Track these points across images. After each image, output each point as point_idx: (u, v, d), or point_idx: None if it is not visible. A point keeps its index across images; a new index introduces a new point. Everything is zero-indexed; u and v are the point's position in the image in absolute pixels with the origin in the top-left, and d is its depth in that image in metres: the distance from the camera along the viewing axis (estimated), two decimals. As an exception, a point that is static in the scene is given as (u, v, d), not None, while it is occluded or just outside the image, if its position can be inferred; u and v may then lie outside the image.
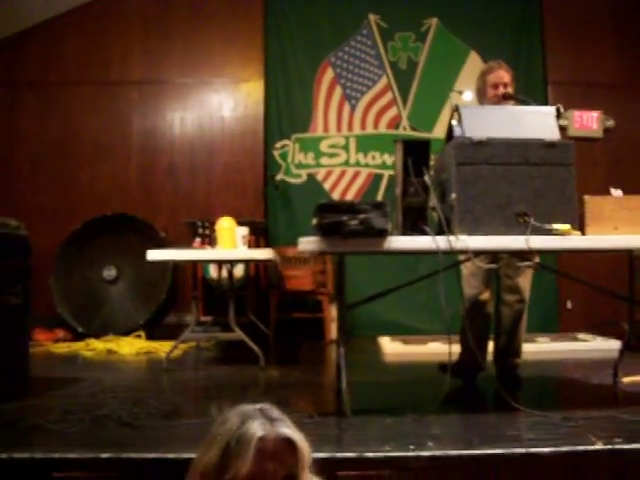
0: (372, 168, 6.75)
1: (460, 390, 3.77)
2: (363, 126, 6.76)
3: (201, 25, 6.63)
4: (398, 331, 6.27)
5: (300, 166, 6.71)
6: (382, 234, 2.97)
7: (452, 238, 2.99)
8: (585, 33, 6.68)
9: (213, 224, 4.75)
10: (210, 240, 4.67)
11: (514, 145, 3.10)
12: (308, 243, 3.05)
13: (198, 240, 4.63)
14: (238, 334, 4.47)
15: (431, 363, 5.03)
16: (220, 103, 6.68)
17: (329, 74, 6.73)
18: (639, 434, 2.65)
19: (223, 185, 6.56)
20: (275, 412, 1.49)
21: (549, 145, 3.12)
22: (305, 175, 6.72)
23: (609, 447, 2.50)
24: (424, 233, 3.09)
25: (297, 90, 6.70)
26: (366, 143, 6.76)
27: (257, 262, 5.70)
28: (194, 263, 5.91)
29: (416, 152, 3.19)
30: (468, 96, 3.49)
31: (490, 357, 4.00)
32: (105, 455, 2.38)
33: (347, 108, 6.75)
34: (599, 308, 6.51)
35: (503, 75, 3.90)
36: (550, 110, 3.24)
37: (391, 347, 5.56)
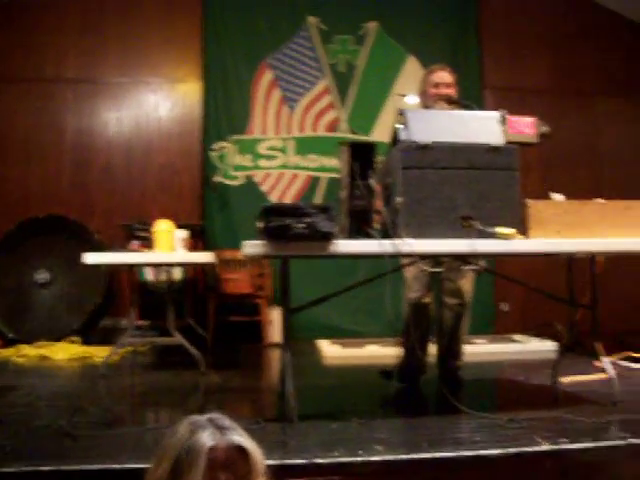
0: (310, 171, 6.73)
1: (403, 393, 3.78)
2: (302, 128, 6.73)
3: (138, 24, 6.48)
4: (336, 334, 6.26)
5: (238, 168, 6.63)
6: (328, 237, 2.95)
7: (398, 241, 2.98)
8: (521, 40, 6.83)
9: (150, 226, 4.66)
10: (148, 243, 4.57)
11: (459, 149, 3.12)
12: (253, 247, 3.01)
13: (136, 243, 4.52)
14: (177, 338, 4.37)
15: (370, 366, 5.07)
16: (157, 103, 6.55)
17: (268, 76, 6.68)
18: (583, 434, 2.71)
19: (160, 187, 6.43)
20: (226, 421, 1.46)
21: (493, 149, 3.15)
22: (243, 177, 6.64)
23: (555, 447, 2.55)
24: (369, 236, 3.09)
25: (235, 91, 6.62)
26: (304, 145, 6.73)
27: (195, 265, 5.60)
28: (130, 266, 5.80)
29: (362, 155, 3.18)
30: (411, 100, 3.49)
31: (432, 360, 4.02)
32: (46, 468, 2.28)
33: (286, 110, 6.71)
34: (533, 310, 6.66)
35: (444, 75, 3.97)
36: (494, 115, 3.27)
37: (330, 350, 5.54)
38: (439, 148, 3.10)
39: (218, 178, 6.56)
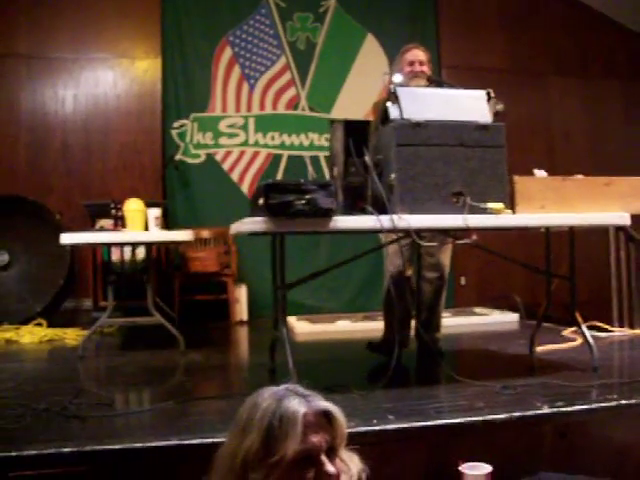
0: (271, 148, 6.75)
1: (389, 365, 3.85)
2: (262, 106, 6.73)
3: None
4: (300, 311, 6.31)
5: (199, 146, 6.59)
6: (328, 214, 3.00)
7: (395, 217, 3.05)
8: (477, 20, 6.98)
9: (118, 205, 4.61)
10: (121, 222, 4.53)
11: (450, 127, 3.20)
12: (254, 223, 3.02)
13: (111, 222, 4.47)
14: (157, 318, 4.37)
15: (346, 341, 5.18)
16: (115, 81, 6.43)
17: (227, 53, 6.64)
18: (575, 397, 2.86)
19: (120, 166, 6.34)
20: (302, 389, 1.51)
21: (482, 127, 3.24)
22: (204, 155, 6.61)
23: (555, 410, 2.68)
24: (364, 212, 3.15)
25: (195, 69, 6.57)
26: (265, 123, 6.74)
27: (165, 244, 5.56)
28: (94, 247, 5.72)
29: (356, 132, 3.24)
30: (397, 78, 3.55)
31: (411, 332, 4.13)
32: (67, 449, 2.25)
33: (246, 88, 6.69)
34: (488, 284, 6.88)
35: (418, 53, 4.08)
36: (481, 94, 3.37)
37: (300, 327, 5.60)
38: (431, 126, 3.17)
39: (179, 156, 6.51)
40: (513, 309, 6.29)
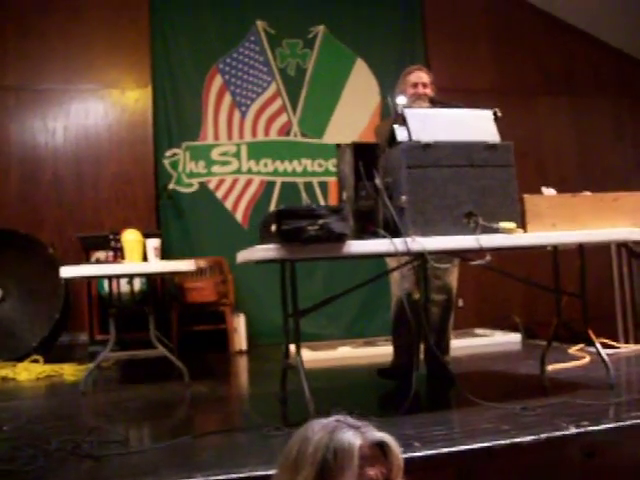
0: (264, 175, 6.72)
1: (401, 390, 3.80)
2: (254, 133, 6.71)
3: (82, 28, 6.28)
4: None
5: (191, 175, 6.54)
6: (342, 239, 2.96)
7: (409, 240, 3.02)
8: (465, 42, 7.04)
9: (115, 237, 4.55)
10: (119, 254, 4.47)
11: (459, 147, 3.19)
12: (267, 251, 2.98)
13: (107, 254, 4.40)
14: (160, 350, 4.29)
15: (351, 367, 5.12)
16: (106, 111, 6.38)
17: (218, 81, 6.62)
18: (599, 415, 2.83)
19: (113, 196, 6.27)
20: (353, 420, 1.46)
21: (491, 147, 3.24)
22: (197, 184, 6.56)
23: (581, 430, 2.64)
24: (375, 236, 3.12)
25: (186, 97, 6.54)
26: (257, 150, 6.71)
27: (166, 275, 5.48)
28: (89, 279, 5.63)
29: (365, 155, 3.21)
30: (402, 100, 3.54)
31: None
32: None
33: (237, 115, 6.67)
34: (488, 305, 6.86)
35: (422, 75, 4.09)
36: (488, 113, 3.37)
37: (302, 354, 5.51)
38: (441, 147, 3.16)
39: (172, 186, 6.46)
40: (513, 329, 6.27)
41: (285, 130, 6.79)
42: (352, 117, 6.88)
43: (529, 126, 7.02)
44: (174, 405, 3.79)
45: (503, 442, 2.54)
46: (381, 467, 1.37)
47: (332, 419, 1.45)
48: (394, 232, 3.08)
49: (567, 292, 3.67)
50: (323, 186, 6.85)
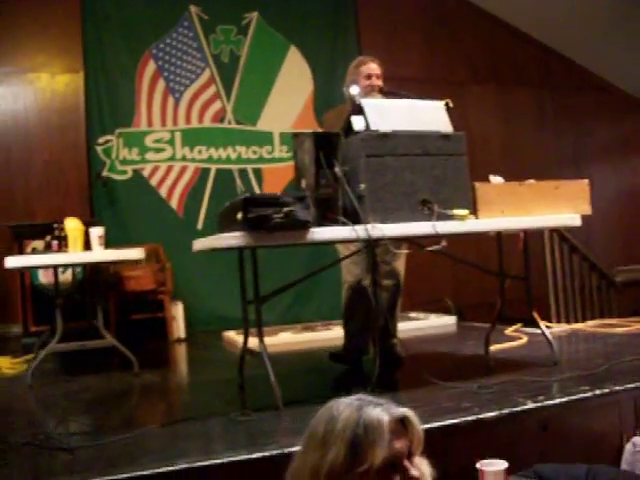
0: (199, 162, 6.68)
1: (355, 373, 3.90)
2: (188, 120, 6.66)
3: (9, 8, 6.04)
4: (233, 325, 6.24)
5: (125, 162, 6.44)
6: (305, 226, 3.03)
7: (369, 226, 3.12)
8: (396, 31, 7.19)
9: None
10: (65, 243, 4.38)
11: (415, 137, 3.30)
12: (233, 238, 3.01)
13: (55, 243, 4.31)
14: (109, 340, 4.25)
15: (295, 352, 5.18)
16: (36, 96, 6.18)
17: (151, 66, 6.53)
18: (551, 391, 3.02)
19: (44, 184, 6.10)
20: (374, 398, 1.53)
21: (444, 137, 3.37)
22: (131, 171, 6.47)
23: (538, 405, 2.81)
24: (335, 223, 3.20)
25: (119, 83, 6.42)
26: (192, 137, 6.67)
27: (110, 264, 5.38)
28: (22, 270, 5.48)
29: (325, 144, 3.28)
30: (355, 90, 3.61)
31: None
32: None
33: (171, 101, 6.60)
34: (418, 288, 7.04)
35: (375, 67, 4.15)
36: (440, 104, 3.50)
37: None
38: (398, 136, 3.27)
39: (105, 173, 6.34)
40: (445, 312, 6.48)
41: (219, 117, 6.77)
42: (286, 104, 6.92)
43: (457, 115, 7.20)
44: (129, 395, 3.78)
45: (469, 419, 2.68)
46: (405, 440, 1.45)
47: (354, 397, 1.51)
48: (353, 219, 3.17)
49: (512, 275, 3.84)
50: (257, 173, 6.88)
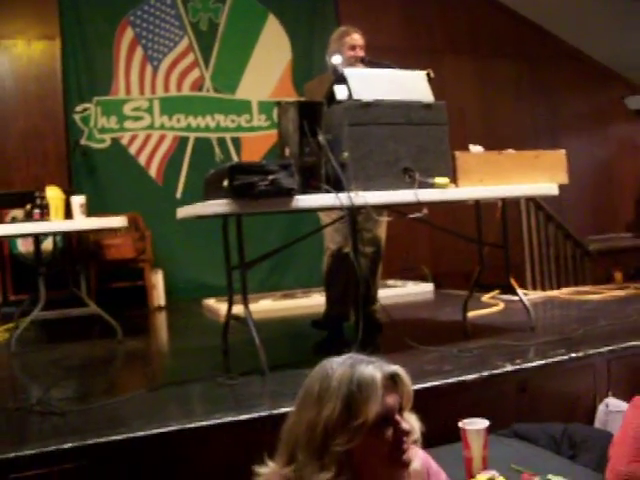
0: (177, 131, 6.66)
1: (337, 339, 3.96)
2: (166, 88, 6.62)
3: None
4: (213, 292, 6.28)
5: (103, 130, 6.40)
6: (290, 193, 3.07)
7: (352, 194, 3.17)
8: (375, 1, 7.16)
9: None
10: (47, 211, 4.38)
11: (398, 106, 3.35)
12: (219, 206, 3.04)
13: (37, 212, 4.30)
14: (93, 308, 4.28)
15: (276, 319, 5.24)
16: (12, 63, 6.10)
17: (129, 34, 6.46)
18: (528, 354, 3.12)
19: (22, 153, 6.04)
20: (365, 357, 1.59)
21: (426, 106, 3.42)
22: (109, 140, 6.43)
23: (516, 367, 2.91)
24: (318, 190, 3.24)
25: (96, 50, 6.34)
26: (170, 105, 6.63)
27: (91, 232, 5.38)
28: (1, 238, 5.46)
29: (309, 113, 3.31)
30: (337, 60, 3.63)
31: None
32: (68, 445, 2.18)
33: (149, 69, 6.55)
34: (394, 257, 7.12)
35: (358, 38, 4.16)
36: (422, 74, 3.54)
37: (224, 308, 5.59)
38: (381, 105, 3.30)
39: (83, 141, 6.30)
40: (422, 280, 6.58)
41: (198, 85, 6.74)
42: (264, 73, 6.91)
43: (435, 84, 7.25)
44: (114, 361, 3.83)
45: (450, 380, 2.77)
46: (396, 396, 1.51)
47: (346, 356, 1.57)
48: (336, 187, 3.21)
49: (490, 243, 3.92)
50: (236, 142, 6.88)
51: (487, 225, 4.05)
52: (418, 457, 1.60)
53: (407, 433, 1.50)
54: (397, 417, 1.50)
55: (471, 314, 4.26)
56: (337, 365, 1.54)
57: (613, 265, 7.47)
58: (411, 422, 1.56)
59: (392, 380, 1.53)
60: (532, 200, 5.82)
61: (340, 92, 3.37)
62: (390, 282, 6.41)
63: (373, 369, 1.51)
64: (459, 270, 6.52)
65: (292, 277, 6.83)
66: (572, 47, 8.44)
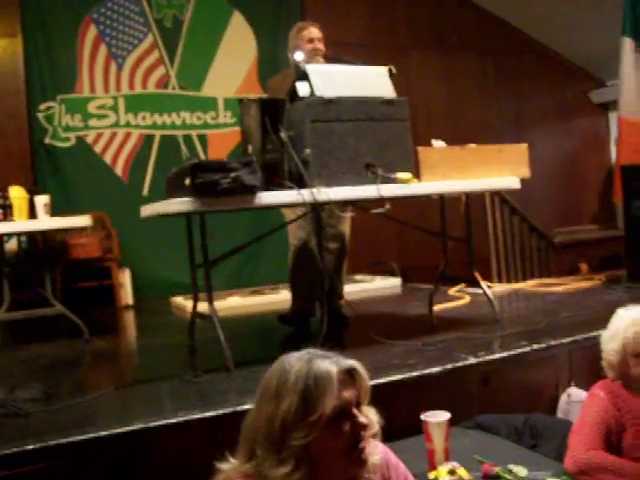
0: (143, 129, 6.61)
1: (302, 334, 3.99)
2: (131, 86, 6.56)
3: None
4: (181, 290, 6.24)
5: (68, 129, 6.33)
6: (253, 191, 3.07)
7: (315, 190, 3.18)
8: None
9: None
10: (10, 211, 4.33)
11: (359, 102, 3.36)
12: (181, 204, 3.04)
13: (0, 212, 4.26)
14: (59, 308, 4.25)
15: (244, 316, 5.25)
16: (-28, 62, 6.03)
17: (92, 31, 6.39)
18: (491, 347, 3.16)
19: (-16, 152, 5.97)
20: (322, 352, 1.60)
21: (388, 102, 3.44)
22: (74, 138, 6.35)
23: (480, 360, 2.95)
24: (281, 187, 3.25)
25: (59, 48, 6.25)
26: (135, 103, 6.58)
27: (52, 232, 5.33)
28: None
29: (270, 110, 3.32)
30: (300, 56, 3.65)
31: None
32: (30, 447, 2.17)
33: (114, 67, 6.48)
34: (361, 251, 7.16)
35: (316, 31, 4.17)
36: (383, 70, 3.56)
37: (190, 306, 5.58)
38: (342, 102, 3.32)
39: (47, 140, 6.22)
40: (389, 274, 6.61)
41: (163, 83, 6.69)
42: (230, 69, 6.88)
43: (400, 80, 7.28)
44: (81, 361, 3.80)
45: (413, 374, 2.79)
46: (353, 390, 1.53)
47: (304, 352, 1.58)
48: (299, 183, 3.22)
49: (454, 237, 3.96)
50: (202, 139, 6.85)
51: (453, 219, 4.09)
52: (377, 450, 1.62)
53: (364, 427, 1.52)
54: (354, 411, 1.52)
55: (437, 307, 4.31)
56: (294, 360, 1.55)
57: (579, 257, 7.58)
58: (369, 416, 1.57)
59: (349, 374, 1.54)
60: (497, 194, 5.88)
61: (302, 88, 3.38)
62: (358, 277, 6.44)
63: (329, 364, 1.52)
64: (427, 264, 6.52)
65: (261, 273, 6.82)
66: (537, 41, 8.52)
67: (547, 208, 8.11)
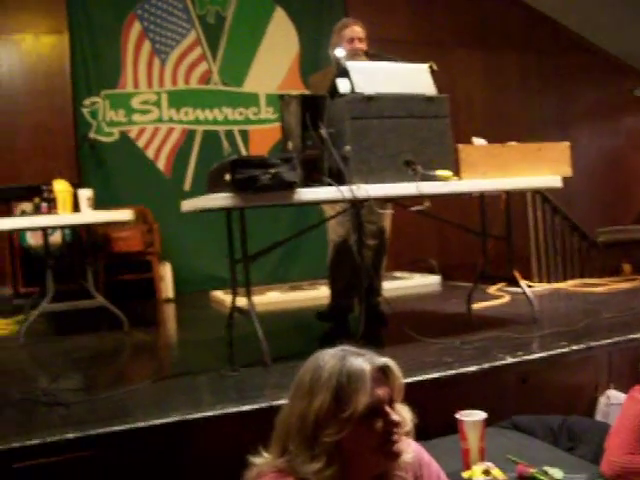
0: (185, 124, 6.69)
1: (341, 331, 3.99)
2: (174, 81, 6.64)
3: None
4: (221, 284, 6.30)
5: (112, 124, 6.43)
6: (292, 187, 3.09)
7: (354, 187, 3.18)
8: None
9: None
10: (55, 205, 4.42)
11: (400, 99, 3.36)
12: (222, 199, 3.06)
13: (45, 205, 4.35)
14: (100, 300, 4.33)
15: (283, 311, 5.28)
16: (20, 58, 6.13)
17: (137, 27, 6.48)
18: (530, 347, 3.13)
19: (31, 148, 6.07)
20: (356, 349, 1.61)
21: (428, 99, 3.43)
22: (117, 133, 6.47)
23: (517, 359, 2.92)
24: (320, 184, 3.26)
25: (104, 44, 6.36)
26: (178, 99, 6.66)
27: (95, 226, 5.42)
28: (11, 232, 5.52)
29: (311, 107, 3.33)
30: (341, 53, 3.64)
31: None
32: (72, 435, 2.22)
33: (157, 63, 6.57)
34: (403, 249, 7.14)
35: (358, 30, 4.14)
36: (424, 67, 3.54)
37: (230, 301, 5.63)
38: (383, 99, 3.32)
39: (92, 135, 6.34)
40: (429, 272, 6.59)
41: (205, 79, 6.76)
42: (272, 66, 6.92)
43: (443, 77, 7.23)
44: (121, 353, 3.87)
45: (450, 373, 2.78)
46: (386, 388, 1.54)
47: (338, 349, 1.59)
48: (338, 180, 3.23)
49: (494, 235, 3.93)
50: (244, 134, 6.90)
51: (493, 217, 4.06)
52: (410, 449, 1.62)
53: (397, 424, 1.52)
54: (387, 408, 1.52)
55: (476, 306, 4.28)
56: (328, 357, 1.56)
57: (622, 257, 7.44)
58: (402, 414, 1.58)
59: (382, 372, 1.55)
60: (538, 192, 5.81)
61: (342, 85, 3.38)
62: (397, 274, 6.42)
63: (363, 361, 1.53)
64: (467, 262, 6.51)
65: (300, 269, 6.86)
66: (581, 38, 8.39)
67: (590, 207, 7.99)
